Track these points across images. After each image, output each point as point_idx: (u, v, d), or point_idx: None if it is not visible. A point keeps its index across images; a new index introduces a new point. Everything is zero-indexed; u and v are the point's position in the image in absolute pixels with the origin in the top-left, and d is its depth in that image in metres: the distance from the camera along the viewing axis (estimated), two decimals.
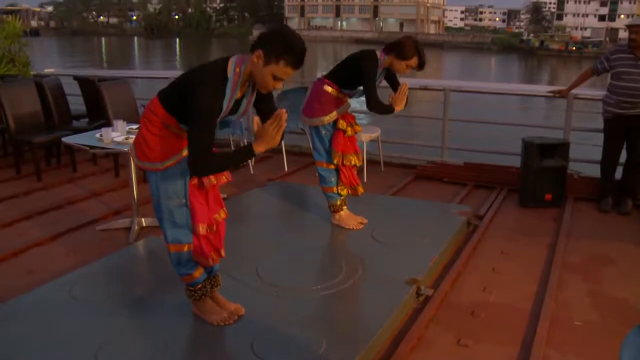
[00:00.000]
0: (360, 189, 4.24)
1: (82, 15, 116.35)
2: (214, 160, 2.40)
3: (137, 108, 6.12)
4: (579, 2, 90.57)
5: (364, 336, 2.75)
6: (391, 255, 3.75)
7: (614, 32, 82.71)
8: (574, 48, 64.62)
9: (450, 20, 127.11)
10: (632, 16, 79.53)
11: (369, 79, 3.86)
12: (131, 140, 4.04)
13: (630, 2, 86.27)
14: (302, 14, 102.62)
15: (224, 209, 2.78)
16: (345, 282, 3.32)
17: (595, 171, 5.27)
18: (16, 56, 7.28)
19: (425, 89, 6.49)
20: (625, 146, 4.99)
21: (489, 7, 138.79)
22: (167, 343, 2.69)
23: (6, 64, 7.08)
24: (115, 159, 5.86)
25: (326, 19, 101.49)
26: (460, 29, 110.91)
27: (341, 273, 3.43)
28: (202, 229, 2.65)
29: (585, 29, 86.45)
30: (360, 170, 5.03)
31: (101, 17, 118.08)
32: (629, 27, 4.79)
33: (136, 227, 4.26)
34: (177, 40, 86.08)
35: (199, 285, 2.81)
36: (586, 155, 5.81)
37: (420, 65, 3.93)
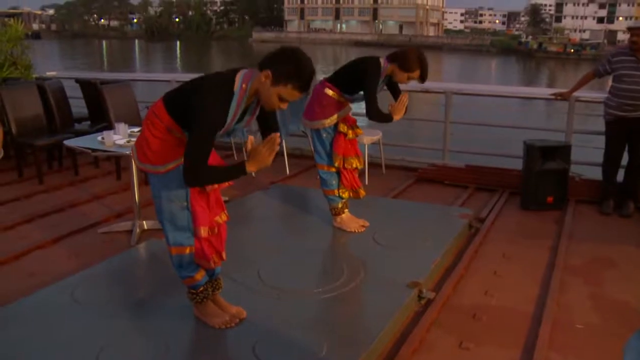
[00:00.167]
0: (362, 192, 4.24)
1: (83, 18, 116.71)
2: (207, 173, 2.43)
3: (138, 111, 6.14)
4: (578, 5, 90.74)
5: (366, 339, 2.74)
6: (393, 258, 3.75)
7: (612, 34, 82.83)
8: (572, 50, 64.65)
9: (450, 23, 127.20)
10: (631, 18, 79.80)
11: (370, 87, 3.85)
12: (133, 143, 4.05)
13: (628, 5, 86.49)
14: (301, 17, 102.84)
15: (225, 211, 2.78)
16: (346, 285, 3.32)
17: (596, 174, 5.27)
18: (18, 59, 7.29)
19: (426, 91, 6.49)
20: (626, 149, 4.99)
21: (489, 9, 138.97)
22: (168, 346, 2.69)
23: (8, 67, 7.08)
24: (117, 162, 5.86)
25: (326, 21, 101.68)
26: (460, 32, 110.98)
27: (343, 276, 3.43)
28: (203, 231, 2.66)
29: (584, 31, 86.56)
30: (361, 173, 5.03)
31: (102, 20, 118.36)
32: (631, 30, 4.80)
33: (138, 230, 4.26)
34: (178, 43, 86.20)
35: (201, 288, 2.81)
36: (588, 157, 5.81)
37: (422, 79, 3.92)
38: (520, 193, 5.25)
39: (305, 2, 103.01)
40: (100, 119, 6.08)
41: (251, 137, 2.54)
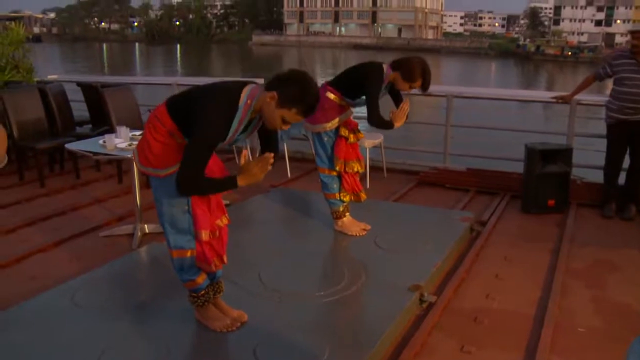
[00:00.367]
0: (363, 195, 4.24)
1: (83, 21, 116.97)
2: (199, 184, 2.45)
3: (140, 114, 6.14)
4: (576, 8, 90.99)
5: (367, 343, 2.74)
6: (394, 262, 3.75)
7: (610, 37, 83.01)
8: (570, 53, 64.66)
9: (450, 26, 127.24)
10: (628, 21, 80.00)
11: (372, 93, 3.85)
12: (134, 147, 4.05)
13: (626, 8, 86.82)
14: (301, 20, 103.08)
15: (226, 215, 2.78)
16: (348, 288, 3.32)
17: (598, 177, 5.26)
18: (20, 62, 7.30)
19: (427, 94, 6.48)
20: (628, 152, 4.99)
21: (489, 12, 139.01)
22: (169, 349, 2.69)
23: (10, 71, 7.09)
24: (118, 165, 5.87)
25: (325, 24, 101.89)
26: (459, 35, 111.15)
27: (344, 279, 3.42)
28: (204, 235, 2.66)
29: (582, 34, 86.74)
30: (363, 177, 5.03)
31: (103, 24, 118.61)
32: (631, 33, 4.80)
33: (139, 234, 4.26)
34: (178, 46, 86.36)
35: (202, 292, 2.81)
36: (589, 160, 5.81)
37: (424, 88, 3.92)
38: (521, 196, 5.25)
39: (305, 5, 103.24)
40: (101, 123, 6.09)
41: (245, 152, 2.55)
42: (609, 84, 5.20)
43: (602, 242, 4.43)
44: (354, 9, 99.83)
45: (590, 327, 3.13)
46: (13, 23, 7.86)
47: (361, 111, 4.12)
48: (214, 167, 2.66)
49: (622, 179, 5.11)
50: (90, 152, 4.28)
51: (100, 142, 4.33)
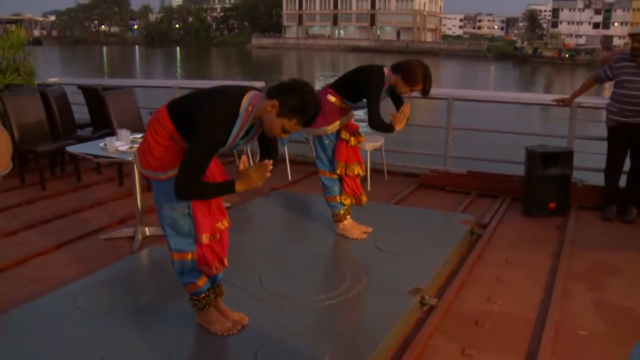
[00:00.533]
0: (364, 198, 4.24)
1: (84, 24, 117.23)
2: (197, 189, 2.46)
3: (141, 117, 6.14)
4: (574, 10, 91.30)
5: (368, 346, 2.74)
6: (395, 265, 3.75)
7: (608, 39, 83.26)
8: (567, 55, 64.78)
9: (449, 29, 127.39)
10: (626, 24, 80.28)
11: (373, 97, 3.84)
12: (135, 150, 4.05)
13: (623, 10, 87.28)
14: (300, 23, 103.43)
15: (227, 217, 2.78)
16: (348, 291, 3.32)
17: (599, 179, 5.26)
18: (21, 65, 7.31)
19: (428, 97, 6.49)
20: (629, 154, 4.99)
21: (488, 15, 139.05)
22: (170, 352, 2.69)
23: (11, 74, 7.11)
24: (119, 168, 5.87)
25: (324, 27, 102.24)
26: (458, 37, 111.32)
27: (345, 282, 3.42)
28: (205, 238, 2.66)
29: (580, 36, 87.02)
30: (363, 179, 5.03)
31: (103, 26, 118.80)
32: (632, 36, 4.81)
33: (140, 237, 4.26)
34: (178, 49, 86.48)
35: (203, 295, 2.81)
36: (590, 163, 5.81)
37: (425, 92, 3.92)
38: (522, 199, 5.25)
39: (304, 8, 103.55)
40: (102, 125, 6.10)
41: (244, 157, 2.55)
42: (608, 85, 5.21)
43: (603, 244, 4.43)
44: (353, 11, 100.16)
45: (591, 330, 3.13)
46: (14, 26, 7.88)
47: (362, 114, 4.12)
48: (215, 170, 2.66)
49: (622, 181, 5.11)
50: (91, 154, 4.28)
51: (101, 145, 4.33)
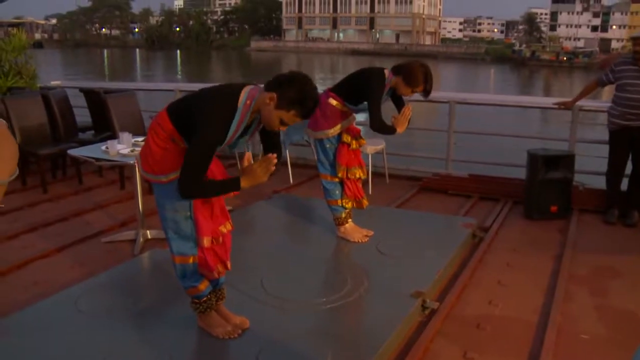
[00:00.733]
0: (365, 202, 4.24)
1: (84, 27, 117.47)
2: (201, 187, 2.45)
3: (142, 120, 6.15)
4: (572, 13, 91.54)
5: (370, 349, 2.74)
6: (396, 268, 3.75)
7: (606, 42, 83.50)
8: (565, 58, 64.95)
9: (449, 32, 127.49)
10: (624, 27, 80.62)
11: (374, 98, 3.85)
12: (137, 153, 4.06)
13: (622, 14, 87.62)
14: (299, 26, 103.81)
15: (230, 221, 2.78)
16: (350, 295, 3.32)
17: (600, 183, 5.26)
18: (23, 68, 7.32)
19: (430, 101, 6.49)
20: (630, 157, 4.99)
21: (488, 18, 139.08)
22: (171, 355, 2.69)
23: (13, 77, 7.12)
24: (120, 171, 5.87)
25: (323, 30, 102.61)
26: (458, 40, 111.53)
27: (346, 286, 3.42)
28: (206, 241, 2.65)
29: (579, 39, 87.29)
30: (365, 183, 5.03)
31: (103, 29, 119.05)
32: (634, 40, 4.82)
33: (141, 240, 4.26)
34: (178, 52, 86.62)
35: (204, 298, 2.80)
36: (591, 166, 5.81)
37: (426, 93, 3.92)
38: (523, 202, 5.24)
39: (304, 11, 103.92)
40: (104, 128, 6.10)
41: (248, 154, 2.55)
42: (608, 88, 5.21)
43: (605, 248, 4.43)
44: (352, 14, 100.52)
45: (593, 334, 3.12)
46: (15, 29, 7.90)
47: (363, 117, 4.12)
48: (216, 171, 2.66)
49: (624, 185, 5.11)
50: (92, 158, 4.28)
51: (103, 148, 4.33)
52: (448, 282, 3.69)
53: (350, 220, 4.26)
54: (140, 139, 4.50)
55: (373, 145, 5.75)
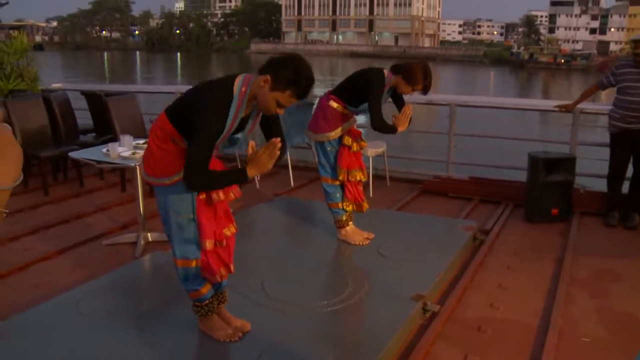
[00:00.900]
0: (365, 205, 4.24)
1: (85, 30, 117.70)
2: (207, 177, 2.44)
3: (144, 123, 6.15)
4: (571, 16, 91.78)
5: (370, 352, 2.74)
6: (397, 271, 3.75)
7: (604, 44, 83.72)
8: (563, 61, 64.99)
9: (449, 34, 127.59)
10: (623, 29, 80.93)
11: (374, 98, 3.86)
12: (138, 155, 4.07)
13: (620, 16, 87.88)
14: (299, 29, 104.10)
15: (234, 223, 2.77)
16: (351, 297, 3.32)
17: (601, 186, 5.26)
18: (24, 71, 7.33)
19: (431, 103, 6.50)
20: (631, 160, 4.99)
21: (488, 20, 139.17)
22: (172, 358, 2.69)
23: (15, 79, 7.13)
24: (122, 174, 5.88)
25: (322, 33, 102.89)
26: (457, 43, 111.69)
27: (347, 289, 3.42)
28: (208, 244, 2.65)
29: (577, 41, 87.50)
30: (366, 185, 5.03)
31: (104, 32, 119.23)
32: (635, 42, 4.82)
33: (142, 242, 4.26)
34: (178, 54, 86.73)
35: (206, 302, 2.80)
36: (592, 169, 5.81)
37: (425, 90, 3.93)
38: (524, 205, 5.24)
39: (303, 14, 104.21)
40: (105, 131, 6.10)
41: (252, 142, 2.54)
42: (608, 91, 5.21)
43: (606, 251, 4.43)
44: (351, 17, 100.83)
45: (594, 337, 3.12)
46: (16, 32, 7.91)
47: (363, 121, 4.13)
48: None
49: (625, 187, 5.11)
50: (93, 160, 4.28)
51: (104, 150, 4.33)
52: (449, 285, 3.69)
53: (351, 223, 4.26)
54: (142, 141, 4.50)
55: (374, 148, 5.75)
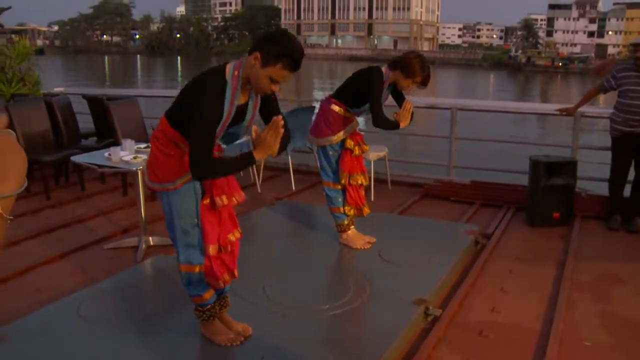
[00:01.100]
0: (366, 210, 4.23)
1: (85, 34, 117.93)
2: (213, 163, 2.42)
3: (145, 127, 6.16)
4: (569, 19, 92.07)
5: (372, 356, 2.73)
6: (399, 275, 3.74)
7: (602, 48, 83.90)
8: (560, 64, 65.19)
9: (448, 38, 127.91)
10: (620, 32, 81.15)
11: (374, 96, 3.86)
12: (139, 159, 4.07)
13: (617, 19, 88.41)
14: (298, 32, 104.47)
15: (239, 228, 2.77)
16: (352, 301, 3.31)
17: (603, 189, 5.26)
18: (26, 75, 7.35)
19: (432, 107, 6.50)
20: (633, 164, 4.99)
21: (487, 24, 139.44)
22: None
23: (17, 83, 7.14)
24: (123, 178, 5.88)
25: (322, 37, 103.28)
26: (456, 46, 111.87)
27: (349, 293, 3.42)
28: (212, 249, 2.65)
29: (575, 45, 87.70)
30: (367, 189, 5.03)
31: (105, 36, 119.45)
32: (634, 46, 4.82)
33: (144, 246, 4.26)
34: (179, 58, 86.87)
35: (209, 306, 2.80)
36: (594, 173, 5.81)
37: (424, 82, 3.93)
38: (526, 209, 5.24)
39: (302, 18, 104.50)
40: (107, 135, 6.12)
41: (255, 127, 2.53)
42: (610, 94, 5.22)
43: (608, 254, 4.42)
44: (350, 21, 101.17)
45: (596, 341, 3.11)
46: (18, 36, 7.93)
47: (363, 122, 4.13)
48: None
49: (627, 191, 5.10)
50: (95, 164, 4.29)
51: (106, 154, 4.34)
52: (450, 289, 3.68)
53: (352, 227, 4.26)
54: (143, 145, 4.51)
55: (375, 152, 5.75)
